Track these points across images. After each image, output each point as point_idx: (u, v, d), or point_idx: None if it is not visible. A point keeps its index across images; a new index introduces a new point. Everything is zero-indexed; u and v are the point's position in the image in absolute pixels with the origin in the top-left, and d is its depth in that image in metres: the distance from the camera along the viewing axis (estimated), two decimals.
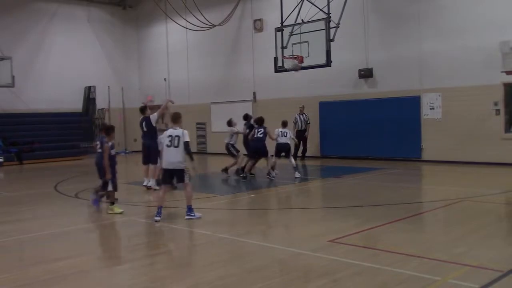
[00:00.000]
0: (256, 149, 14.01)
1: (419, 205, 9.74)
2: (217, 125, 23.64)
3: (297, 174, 13.77)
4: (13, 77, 21.29)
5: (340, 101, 18.75)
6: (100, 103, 25.86)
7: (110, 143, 9.59)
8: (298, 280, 5.36)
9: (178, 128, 8.65)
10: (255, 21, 21.61)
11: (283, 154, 14.04)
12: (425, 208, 9.49)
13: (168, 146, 8.44)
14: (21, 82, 22.36)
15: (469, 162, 15.40)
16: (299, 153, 18.86)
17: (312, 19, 15.41)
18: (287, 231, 7.77)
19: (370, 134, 17.88)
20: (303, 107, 19.19)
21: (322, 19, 15.06)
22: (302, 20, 15.83)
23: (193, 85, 24.57)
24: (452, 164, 15.56)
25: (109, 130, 9.82)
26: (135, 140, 27.23)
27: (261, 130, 14.03)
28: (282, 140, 14.01)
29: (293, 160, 14.31)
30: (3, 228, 8.61)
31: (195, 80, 24.41)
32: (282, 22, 16.19)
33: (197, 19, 22.67)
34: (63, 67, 24.44)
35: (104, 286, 5.55)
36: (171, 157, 8.42)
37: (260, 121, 14.33)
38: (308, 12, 15.68)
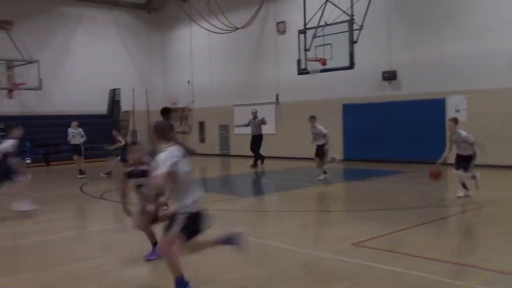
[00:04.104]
0: None
1: (443, 209, 9.63)
2: (241, 127, 23.72)
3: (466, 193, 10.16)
4: (40, 80, 21.69)
5: (363, 103, 18.62)
6: (125, 106, 26.17)
7: None
8: (321, 283, 5.35)
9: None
10: (278, 23, 21.63)
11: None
12: (449, 212, 9.38)
13: None
14: (48, 85, 22.77)
15: (494, 166, 15.12)
16: (262, 162, 18.10)
17: (336, 21, 15.35)
18: (310, 234, 7.76)
19: (394, 137, 17.71)
20: (256, 111, 18.71)
21: (346, 21, 14.99)
22: (325, 22, 15.78)
23: (216, 87, 24.70)
24: (477, 168, 15.26)
25: None
26: None
27: None
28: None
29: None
30: (29, 229, 8.80)
31: (218, 82, 24.53)
32: (305, 24, 16.16)
33: (221, 22, 22.81)
34: (88, 69, 24.82)
35: (127, 287, 5.61)
36: None
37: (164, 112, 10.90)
38: (331, 14, 15.63)
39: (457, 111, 16.29)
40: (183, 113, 27.14)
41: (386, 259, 6.09)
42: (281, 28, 21.49)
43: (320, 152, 13.79)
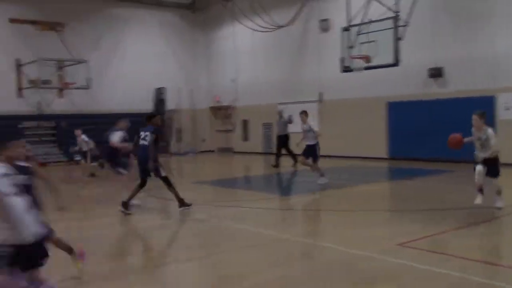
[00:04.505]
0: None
1: (491, 209, 9.34)
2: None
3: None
4: (89, 79, 22.36)
5: (408, 101, 18.29)
6: (170, 104, 26.64)
7: None
8: (364, 283, 5.31)
9: None
10: (321, 21, 21.49)
11: None
12: (498, 213, 9.09)
13: None
14: (97, 84, 23.43)
15: None
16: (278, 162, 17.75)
17: (380, 18, 15.14)
18: (353, 233, 7.68)
19: (440, 135, 17.20)
20: (281, 111, 18.57)
21: (390, 17, 14.76)
22: (369, 19, 15.58)
23: (259, 85, 24.78)
24: None
25: None
26: (203, 140, 27.88)
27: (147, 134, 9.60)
28: None
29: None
30: (76, 224, 9.09)
31: (262, 80, 24.60)
32: (349, 22, 16.02)
33: (264, 20, 22.86)
34: (135, 69, 25.37)
35: (169, 283, 5.72)
36: None
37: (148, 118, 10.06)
38: (376, 10, 15.42)
39: (507, 108, 15.79)
40: (227, 112, 27.38)
41: (432, 260, 5.97)
42: (324, 25, 21.34)
43: (311, 152, 12.79)
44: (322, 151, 20.90)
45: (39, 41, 22.54)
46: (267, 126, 24.72)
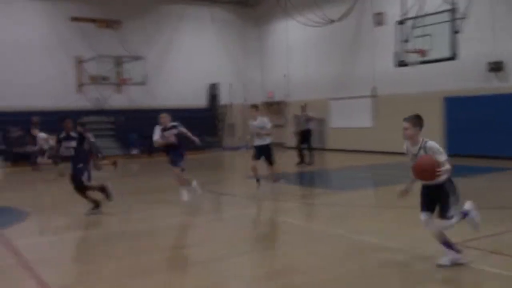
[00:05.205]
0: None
1: None
2: (337, 121, 23.57)
3: None
4: (146, 75, 22.97)
5: (466, 96, 17.72)
6: (223, 99, 26.97)
7: None
8: (419, 284, 5.23)
9: None
10: (375, 14, 21.14)
11: None
12: None
13: None
14: (153, 80, 24.03)
15: None
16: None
17: (436, 10, 14.76)
18: (409, 231, 7.57)
19: (501, 132, 16.69)
20: (305, 105, 18.22)
21: (447, 10, 14.38)
22: (425, 12, 15.23)
23: (311, 80, 24.67)
24: None
25: None
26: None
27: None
28: None
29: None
30: (130, 217, 9.38)
31: (314, 75, 24.49)
32: (403, 15, 15.71)
33: (316, 15, 22.72)
34: (189, 65, 25.85)
35: (224, 276, 5.80)
36: None
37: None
38: (431, 3, 15.05)
39: None
40: (279, 107, 27.42)
41: (491, 261, 5.82)
42: (378, 19, 20.98)
43: (267, 153, 11.05)
44: (377, 147, 20.85)
45: (98, 39, 23.33)
46: (320, 122, 24.56)
